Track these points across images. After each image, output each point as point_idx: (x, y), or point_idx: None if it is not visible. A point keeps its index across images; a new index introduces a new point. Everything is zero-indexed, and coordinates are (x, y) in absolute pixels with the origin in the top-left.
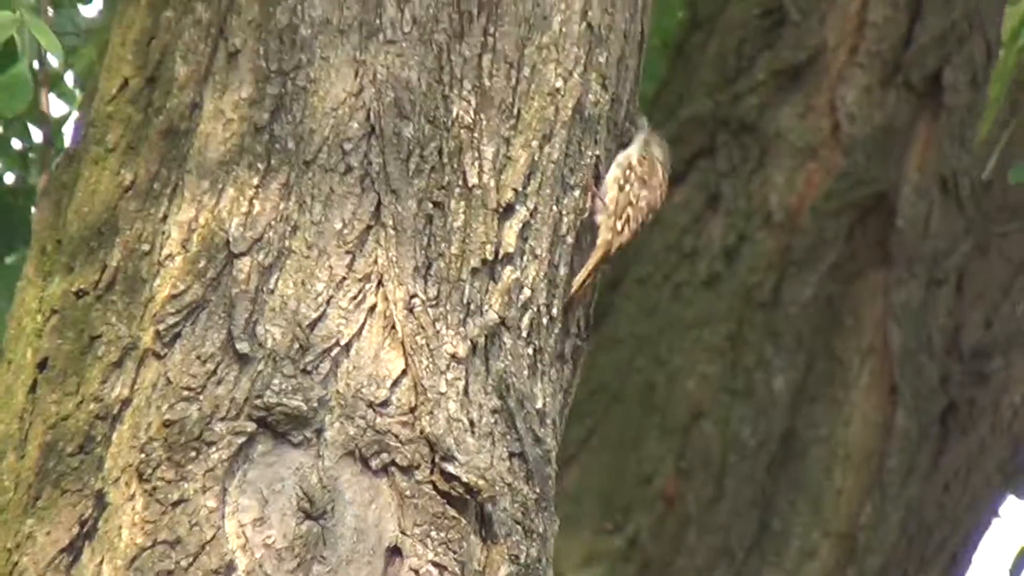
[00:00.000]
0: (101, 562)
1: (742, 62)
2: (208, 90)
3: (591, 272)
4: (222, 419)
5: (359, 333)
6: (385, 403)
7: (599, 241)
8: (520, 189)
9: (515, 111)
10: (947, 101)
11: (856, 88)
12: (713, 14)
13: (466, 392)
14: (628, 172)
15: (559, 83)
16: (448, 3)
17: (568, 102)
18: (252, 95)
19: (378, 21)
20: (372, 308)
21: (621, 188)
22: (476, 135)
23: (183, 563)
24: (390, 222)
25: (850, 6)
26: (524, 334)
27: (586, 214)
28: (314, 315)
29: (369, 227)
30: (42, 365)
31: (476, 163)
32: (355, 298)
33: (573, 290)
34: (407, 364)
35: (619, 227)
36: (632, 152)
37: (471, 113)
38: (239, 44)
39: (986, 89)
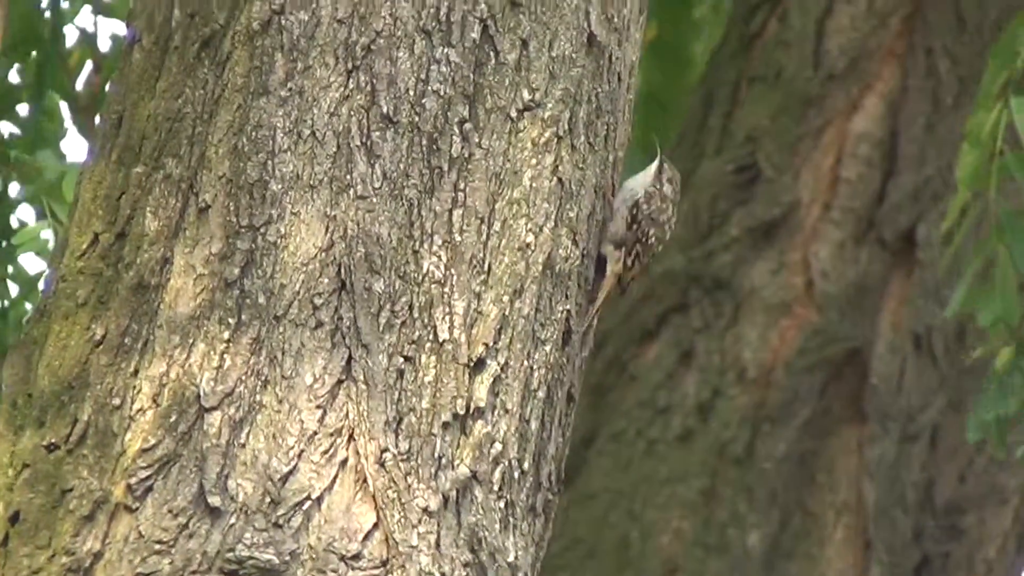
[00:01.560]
0: None
1: (716, 218)
2: (178, 245)
3: (603, 301)
4: (194, 573)
5: (331, 487)
6: (357, 556)
7: (608, 272)
8: (491, 344)
9: (486, 266)
10: (920, 257)
11: (830, 244)
12: (687, 171)
13: (438, 546)
14: (635, 211)
15: (530, 238)
16: (419, 158)
17: (539, 257)
18: (222, 250)
19: (348, 176)
20: (343, 462)
21: (629, 227)
22: (447, 290)
23: None
24: (361, 377)
25: (824, 162)
26: (496, 488)
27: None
28: (285, 469)
29: (340, 381)
30: (14, 519)
31: (447, 318)
32: (326, 452)
33: (587, 318)
34: (378, 518)
35: (628, 263)
36: (639, 191)
37: (442, 268)
38: (209, 199)
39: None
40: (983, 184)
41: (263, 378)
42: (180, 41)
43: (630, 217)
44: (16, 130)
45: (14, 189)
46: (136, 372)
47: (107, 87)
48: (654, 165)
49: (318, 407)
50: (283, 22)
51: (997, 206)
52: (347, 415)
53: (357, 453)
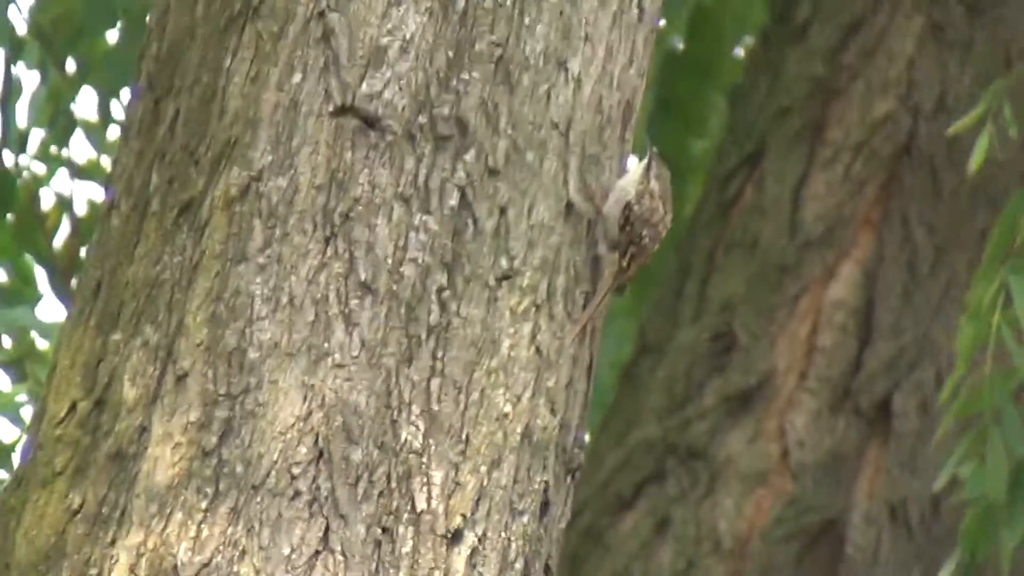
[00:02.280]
0: None
1: (691, 387)
2: (156, 413)
3: (600, 304)
4: None
5: None
6: None
7: (606, 273)
8: (469, 515)
9: (464, 436)
10: (896, 427)
11: (806, 413)
12: (663, 339)
13: None
14: (628, 212)
15: (508, 408)
16: (397, 327)
17: (517, 427)
18: (200, 419)
19: (327, 344)
20: None
21: (623, 228)
22: (425, 460)
23: None
24: (339, 547)
25: (800, 331)
26: None
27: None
28: None
29: (317, 552)
30: None
31: (425, 488)
32: None
33: (583, 320)
34: None
35: (624, 264)
36: (631, 191)
37: (420, 438)
38: (187, 367)
39: (936, 416)
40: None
41: (241, 548)
42: (158, 206)
43: (623, 219)
44: None
45: None
46: (113, 542)
47: (84, 251)
48: (643, 163)
49: None
50: (261, 188)
51: (993, 383)
52: None
53: None
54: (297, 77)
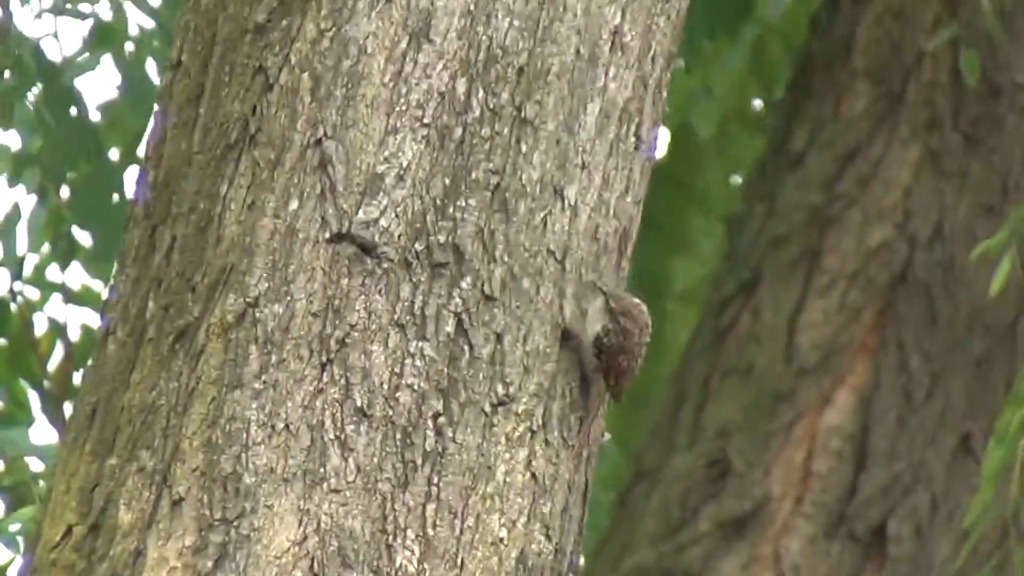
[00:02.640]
0: None
1: (686, 513)
2: (152, 538)
3: (596, 415)
4: None
5: None
6: None
7: (593, 392)
8: None
9: (459, 561)
10: (892, 552)
11: (801, 539)
12: (657, 465)
13: None
14: (599, 344)
15: (503, 533)
16: (392, 452)
17: (512, 552)
18: (196, 543)
19: (322, 469)
20: None
21: (599, 357)
22: None
23: None
24: None
25: (795, 456)
26: None
27: None
28: None
29: None
30: None
31: None
32: None
33: (582, 435)
34: None
35: (611, 382)
36: (594, 324)
37: (415, 563)
38: (183, 492)
39: (931, 542)
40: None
41: None
42: (155, 333)
43: (595, 351)
44: None
45: None
46: None
47: (79, 375)
48: (599, 299)
49: None
50: (257, 315)
51: (1020, 510)
52: None
53: None
54: (294, 204)
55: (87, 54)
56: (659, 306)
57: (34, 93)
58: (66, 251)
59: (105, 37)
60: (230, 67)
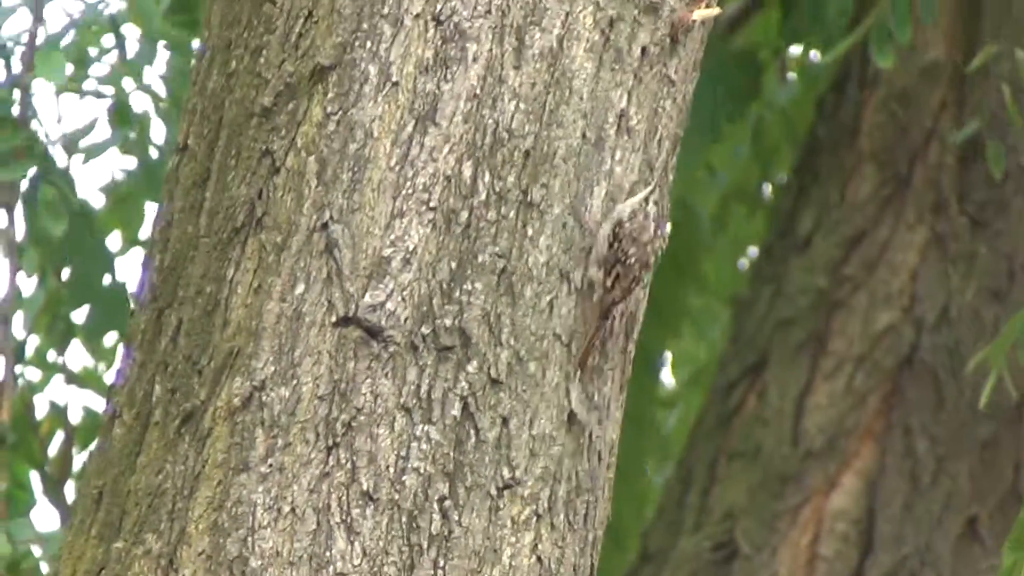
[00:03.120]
0: None
1: None
2: None
3: (594, 335)
4: None
5: None
6: None
7: (593, 300)
8: None
9: None
10: None
11: None
12: (664, 548)
13: None
14: (617, 229)
15: None
16: (398, 535)
17: None
18: None
19: (328, 553)
20: None
21: (611, 246)
22: None
23: None
24: None
25: (801, 540)
26: None
27: None
28: None
29: None
30: None
31: None
32: None
33: (580, 355)
34: None
35: (609, 283)
36: (626, 210)
37: None
38: (189, 575)
39: None
40: None
41: None
42: (161, 416)
43: (611, 235)
44: None
45: None
46: None
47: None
48: (648, 188)
49: None
50: (264, 398)
51: None
52: None
53: None
54: (300, 288)
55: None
56: (655, 389)
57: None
58: (64, 332)
59: (123, 119)
60: (236, 151)
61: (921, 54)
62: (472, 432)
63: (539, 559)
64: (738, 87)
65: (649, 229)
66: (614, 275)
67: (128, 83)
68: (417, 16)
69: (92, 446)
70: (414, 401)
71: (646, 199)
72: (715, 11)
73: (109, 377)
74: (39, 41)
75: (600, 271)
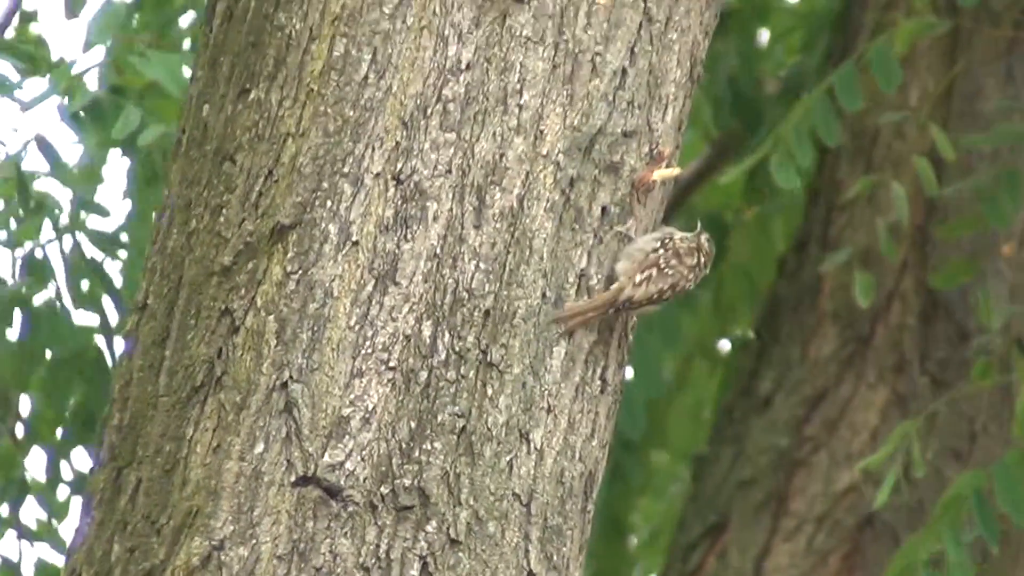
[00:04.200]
0: None
1: None
2: None
3: (592, 309)
4: None
5: None
6: None
7: (613, 287)
8: None
9: None
10: None
11: None
12: None
13: None
14: (668, 240)
15: None
16: None
17: None
18: None
19: None
20: None
21: (655, 250)
22: None
23: None
24: None
25: None
26: None
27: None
28: None
29: None
30: None
31: None
32: None
33: (566, 314)
34: None
35: (638, 280)
36: (676, 233)
37: None
38: None
39: None
40: None
41: None
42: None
43: (659, 243)
44: None
45: None
46: None
47: None
48: (697, 230)
49: None
50: (223, 558)
51: None
52: None
53: None
54: (259, 447)
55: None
56: (621, 549)
57: None
58: (18, 491)
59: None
60: (196, 310)
61: (883, 215)
62: None
63: None
64: None
65: (696, 257)
66: (647, 275)
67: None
68: (377, 175)
69: None
70: (373, 561)
71: (699, 234)
72: (675, 171)
73: (63, 530)
74: None
75: (632, 268)
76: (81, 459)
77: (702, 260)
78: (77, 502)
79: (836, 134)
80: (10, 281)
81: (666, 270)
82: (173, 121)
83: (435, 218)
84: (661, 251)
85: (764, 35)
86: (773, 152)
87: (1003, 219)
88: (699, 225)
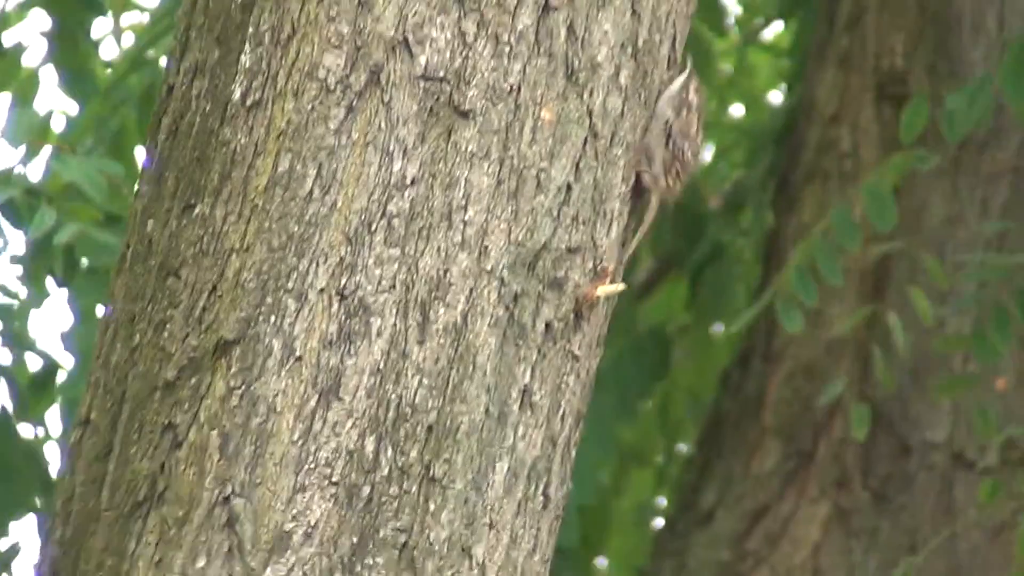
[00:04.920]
0: None
1: None
2: None
3: (648, 228)
4: None
5: None
6: None
7: (652, 202)
8: None
9: None
10: None
11: None
12: None
13: None
14: (668, 129)
15: None
16: None
17: None
18: None
19: None
20: None
21: (666, 145)
22: None
23: None
24: None
25: None
26: None
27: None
28: None
29: None
30: None
31: None
32: None
33: (630, 250)
34: None
35: (670, 183)
36: (668, 109)
37: None
38: None
39: None
40: None
41: None
42: None
43: (664, 136)
44: None
45: None
46: None
47: None
48: (680, 79)
49: None
50: None
51: None
52: None
53: None
54: (201, 562)
55: None
56: None
57: None
58: None
59: None
60: (139, 424)
61: (825, 329)
62: None
63: None
64: (648, 365)
65: (695, 121)
66: (674, 173)
67: None
68: (321, 291)
69: None
70: None
71: (686, 87)
72: (619, 287)
73: None
74: None
75: (662, 173)
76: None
77: (697, 122)
78: None
79: (838, 273)
80: None
81: (685, 155)
82: (89, 222)
83: (379, 333)
84: (671, 143)
85: (708, 149)
86: (775, 298)
87: (993, 356)
88: (684, 78)
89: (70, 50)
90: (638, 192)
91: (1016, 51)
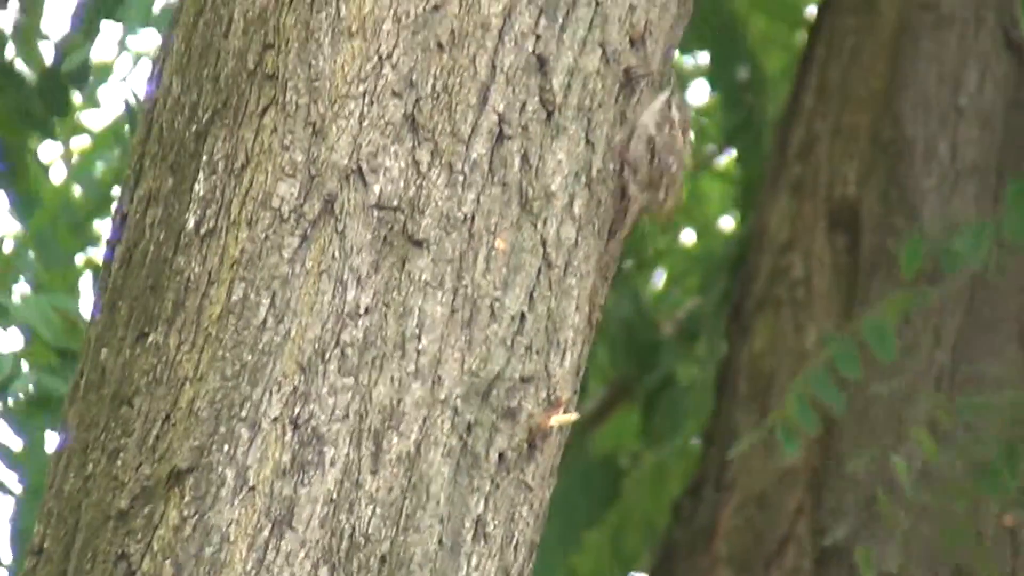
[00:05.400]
0: None
1: None
2: None
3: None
4: None
5: None
6: None
7: (633, 210)
8: None
9: None
10: None
11: None
12: None
13: None
14: (651, 145)
15: None
16: None
17: None
18: None
19: None
20: None
21: (651, 162)
22: None
23: None
24: None
25: None
26: None
27: None
28: None
29: None
30: None
31: None
32: None
33: (608, 256)
34: None
35: (660, 196)
36: (650, 124)
37: None
38: None
39: None
40: None
41: None
42: None
43: (648, 153)
44: None
45: None
46: None
47: None
48: (662, 96)
49: None
50: None
51: None
52: None
53: None
54: None
55: None
56: None
57: None
58: None
59: None
60: (92, 554)
61: (776, 459)
62: None
63: None
64: (598, 493)
65: (679, 137)
66: (664, 186)
67: None
68: (275, 420)
69: None
70: None
71: (668, 104)
72: (573, 416)
73: None
74: None
75: (648, 187)
76: None
77: (682, 136)
78: None
79: (841, 403)
80: None
81: (671, 168)
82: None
83: (332, 463)
84: (656, 160)
85: (660, 276)
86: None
87: (1004, 491)
88: (667, 95)
89: (18, 173)
90: (621, 200)
91: (1017, 191)
